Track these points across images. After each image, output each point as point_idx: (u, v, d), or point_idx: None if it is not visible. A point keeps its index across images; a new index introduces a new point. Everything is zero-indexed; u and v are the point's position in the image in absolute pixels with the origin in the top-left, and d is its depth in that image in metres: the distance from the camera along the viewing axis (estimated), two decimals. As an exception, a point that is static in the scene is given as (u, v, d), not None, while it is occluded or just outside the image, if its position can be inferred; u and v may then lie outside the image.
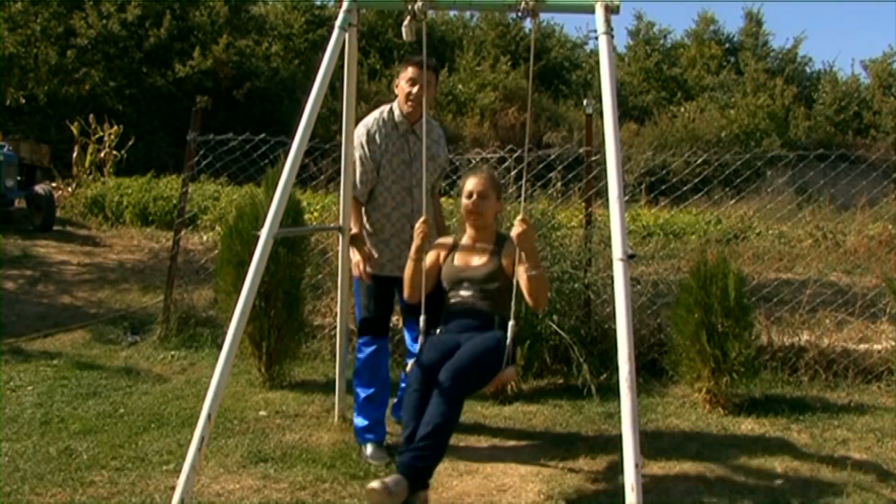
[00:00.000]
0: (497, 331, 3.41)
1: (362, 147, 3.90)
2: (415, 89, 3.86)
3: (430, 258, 3.66)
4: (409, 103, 3.89)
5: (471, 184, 3.62)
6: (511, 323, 3.36)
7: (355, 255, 3.88)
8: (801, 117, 20.28)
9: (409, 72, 3.89)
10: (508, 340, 3.35)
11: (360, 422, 3.92)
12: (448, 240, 3.78)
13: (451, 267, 3.61)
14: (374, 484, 2.99)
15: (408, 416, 3.24)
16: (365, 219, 3.95)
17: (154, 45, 16.05)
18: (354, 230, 3.91)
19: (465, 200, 3.62)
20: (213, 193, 10.45)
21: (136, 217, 10.66)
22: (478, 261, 3.58)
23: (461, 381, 3.21)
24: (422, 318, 3.50)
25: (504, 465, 3.77)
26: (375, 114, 3.98)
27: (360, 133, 3.93)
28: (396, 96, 3.99)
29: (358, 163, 3.91)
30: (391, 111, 3.98)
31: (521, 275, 3.40)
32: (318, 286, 5.89)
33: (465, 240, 3.68)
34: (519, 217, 3.38)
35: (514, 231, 3.36)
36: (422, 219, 3.55)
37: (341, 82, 3.79)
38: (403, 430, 3.25)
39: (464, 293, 3.52)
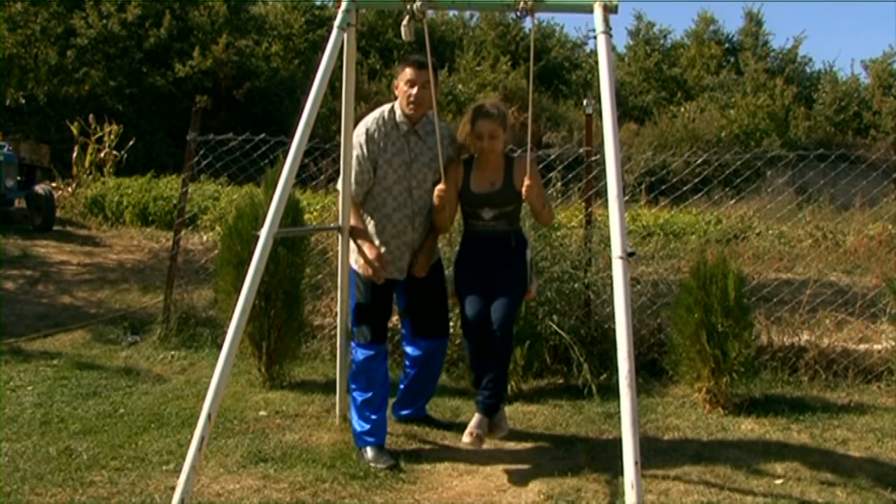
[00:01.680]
0: (520, 255, 3.85)
1: (360, 147, 3.87)
2: (414, 90, 3.82)
3: (450, 188, 3.91)
4: (410, 105, 3.85)
5: (482, 127, 3.81)
6: (529, 238, 4.01)
7: (358, 253, 3.86)
8: (801, 117, 20.28)
9: (407, 73, 3.85)
10: (528, 258, 3.86)
11: (359, 426, 3.89)
12: (459, 167, 3.94)
13: (470, 193, 3.89)
14: (467, 439, 3.67)
15: (474, 362, 3.80)
16: (367, 219, 3.93)
17: (154, 45, 16.06)
18: (355, 224, 3.89)
19: (476, 142, 3.84)
20: (213, 193, 10.46)
21: (136, 217, 10.67)
22: (493, 185, 3.86)
23: (507, 325, 3.72)
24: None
25: (504, 465, 3.77)
26: (376, 113, 3.95)
27: (359, 132, 3.89)
28: (397, 97, 3.95)
29: (354, 162, 3.88)
30: (392, 111, 3.94)
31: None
32: (318, 286, 5.89)
33: (478, 165, 3.90)
34: (527, 175, 3.73)
35: (524, 185, 3.73)
36: (441, 185, 3.80)
37: (341, 82, 3.78)
38: (472, 372, 3.88)
39: (485, 216, 3.86)
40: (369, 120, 3.93)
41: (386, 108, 3.98)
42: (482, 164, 3.89)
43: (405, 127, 3.92)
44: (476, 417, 3.74)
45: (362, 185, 3.89)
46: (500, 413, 3.84)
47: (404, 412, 4.30)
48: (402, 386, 4.26)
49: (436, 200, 3.85)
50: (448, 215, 3.94)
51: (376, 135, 3.88)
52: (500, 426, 3.82)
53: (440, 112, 3.94)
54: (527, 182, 3.73)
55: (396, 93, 3.96)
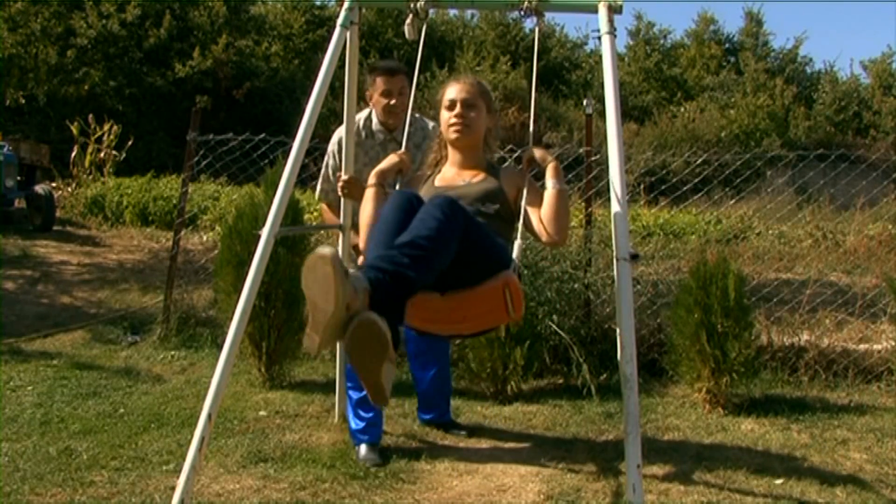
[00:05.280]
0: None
1: (333, 156, 3.84)
2: (392, 101, 3.76)
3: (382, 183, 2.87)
4: (390, 115, 3.78)
5: (453, 91, 2.90)
6: (518, 242, 2.66)
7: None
8: (801, 117, 20.28)
9: (380, 83, 3.76)
10: (515, 255, 2.62)
11: (353, 423, 3.91)
12: (424, 173, 3.05)
13: (432, 188, 2.84)
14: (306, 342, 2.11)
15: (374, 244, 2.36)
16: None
17: (154, 45, 16.07)
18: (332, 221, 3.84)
19: (445, 113, 2.90)
20: (212, 193, 10.46)
21: (136, 217, 10.67)
22: (469, 178, 2.87)
23: (459, 218, 2.32)
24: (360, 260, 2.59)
25: (504, 465, 3.76)
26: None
27: (333, 141, 3.86)
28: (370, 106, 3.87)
29: (325, 168, 3.88)
30: (368, 119, 3.87)
31: (542, 199, 2.78)
32: (318, 286, 5.88)
33: (448, 165, 2.95)
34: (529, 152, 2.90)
35: (532, 154, 2.84)
36: (402, 150, 2.99)
37: (341, 82, 3.77)
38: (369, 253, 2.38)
39: None
40: (343, 129, 3.84)
41: (363, 114, 3.90)
42: (455, 160, 2.96)
43: (382, 136, 3.85)
44: (354, 273, 2.10)
45: (328, 194, 3.91)
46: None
47: (426, 416, 4.27)
48: (417, 390, 4.26)
49: (386, 162, 2.94)
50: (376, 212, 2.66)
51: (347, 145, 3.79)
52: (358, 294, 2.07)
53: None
54: (536, 152, 2.83)
55: (371, 104, 3.88)
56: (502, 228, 2.80)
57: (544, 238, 2.79)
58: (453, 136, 2.89)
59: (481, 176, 2.86)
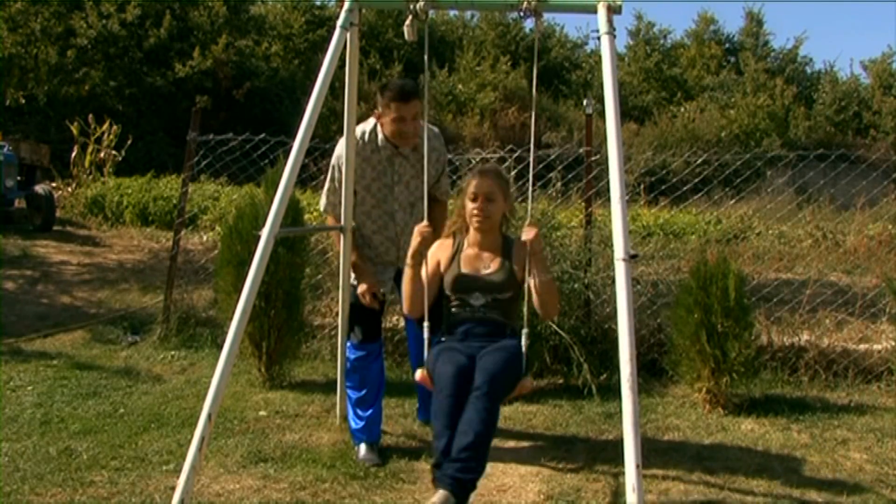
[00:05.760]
0: (514, 342, 3.23)
1: (338, 169, 3.77)
2: (405, 126, 3.68)
3: (430, 265, 3.38)
4: (400, 140, 3.71)
5: (475, 185, 3.35)
6: (525, 331, 3.21)
7: (356, 279, 3.84)
8: (801, 117, 20.27)
9: (394, 108, 3.64)
10: (524, 348, 3.21)
11: (353, 423, 3.92)
12: (447, 242, 3.47)
13: (459, 274, 3.34)
14: None
15: (441, 425, 2.99)
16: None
17: (154, 45, 16.06)
18: (352, 258, 3.82)
19: (469, 204, 3.35)
20: (213, 193, 10.46)
21: (136, 217, 10.67)
22: (489, 267, 3.35)
23: (497, 386, 3.02)
24: (425, 327, 3.29)
25: (504, 465, 3.76)
26: (357, 132, 3.78)
27: (337, 153, 3.78)
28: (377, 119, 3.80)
29: (329, 181, 3.83)
30: (373, 132, 3.78)
31: (532, 281, 3.26)
32: (318, 286, 5.89)
33: (469, 243, 3.41)
34: (528, 222, 3.30)
35: (526, 236, 3.22)
36: (423, 223, 3.32)
37: (341, 82, 3.76)
38: (437, 440, 2.99)
39: (474, 303, 3.29)
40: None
41: (367, 126, 3.81)
42: (475, 240, 3.38)
43: (388, 151, 3.79)
44: (440, 495, 2.86)
45: (335, 207, 3.84)
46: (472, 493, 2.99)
47: (426, 416, 4.23)
48: (417, 390, 4.25)
49: (414, 239, 3.31)
50: (415, 305, 3.31)
51: (354, 159, 3.75)
52: None
53: (439, 112, 3.90)
54: (529, 233, 3.19)
55: (379, 121, 3.78)
56: (512, 307, 3.36)
57: (540, 312, 3.37)
58: (475, 224, 3.36)
59: (497, 263, 3.34)
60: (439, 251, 3.44)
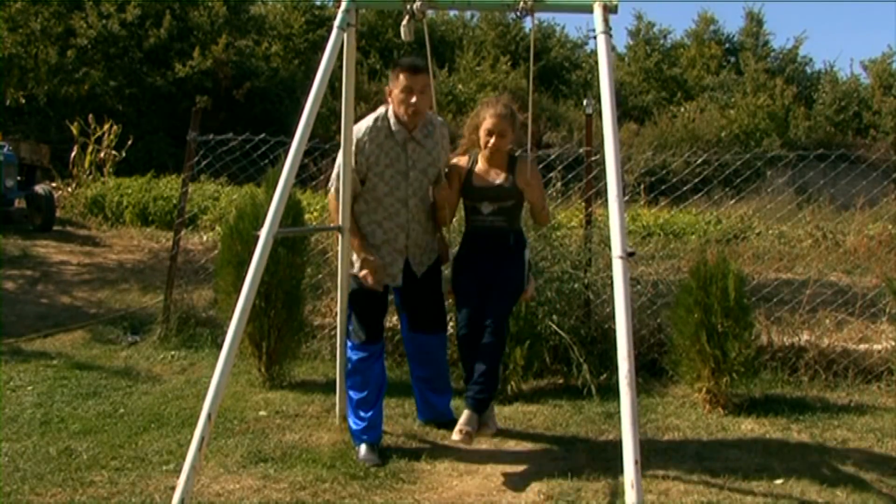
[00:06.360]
0: (518, 256, 3.86)
1: (357, 152, 3.77)
2: (413, 98, 3.71)
3: (452, 180, 3.95)
4: (410, 113, 3.74)
5: (491, 124, 3.81)
6: (528, 239, 4.00)
7: (360, 262, 3.83)
8: (801, 117, 20.26)
9: (402, 79, 3.71)
10: (527, 258, 3.88)
11: (354, 423, 3.91)
12: (463, 159, 3.98)
13: (471, 187, 3.90)
14: (456, 436, 3.59)
15: (465, 359, 3.78)
16: (358, 222, 3.88)
17: (154, 45, 16.06)
18: (354, 242, 3.84)
19: (483, 136, 3.83)
20: (213, 193, 10.46)
21: (136, 217, 10.67)
22: (495, 180, 3.87)
23: (501, 323, 3.74)
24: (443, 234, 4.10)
25: (504, 465, 3.77)
26: (368, 121, 3.81)
27: (356, 137, 3.78)
28: (389, 103, 3.83)
29: (339, 168, 3.82)
30: (385, 118, 3.80)
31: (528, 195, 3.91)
32: (318, 286, 5.89)
33: (481, 162, 3.92)
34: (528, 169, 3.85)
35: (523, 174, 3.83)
36: (444, 184, 3.88)
37: (341, 82, 3.76)
38: (464, 371, 3.82)
39: (484, 210, 3.85)
40: (361, 128, 3.79)
41: (379, 114, 3.83)
42: (486, 159, 3.90)
43: (402, 136, 3.80)
44: (466, 414, 3.67)
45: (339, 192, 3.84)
46: (490, 411, 3.83)
47: (426, 416, 4.26)
48: (417, 390, 4.24)
49: (438, 200, 3.89)
50: (448, 213, 3.99)
51: (367, 146, 3.76)
52: (489, 424, 3.80)
53: (439, 112, 3.91)
54: (529, 177, 3.80)
55: (390, 99, 3.81)
56: (516, 213, 3.95)
57: (532, 222, 4.36)
58: (488, 154, 3.88)
59: (503, 177, 3.87)
60: (457, 169, 3.98)
